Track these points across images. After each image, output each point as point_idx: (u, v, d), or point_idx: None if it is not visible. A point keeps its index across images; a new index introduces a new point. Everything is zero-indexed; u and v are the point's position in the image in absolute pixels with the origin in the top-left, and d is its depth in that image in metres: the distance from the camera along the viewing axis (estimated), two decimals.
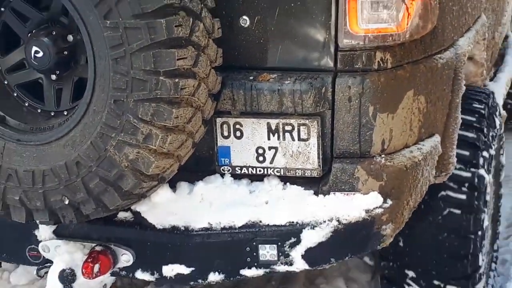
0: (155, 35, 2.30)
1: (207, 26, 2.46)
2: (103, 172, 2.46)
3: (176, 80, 2.34)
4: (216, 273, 2.75)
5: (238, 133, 2.73)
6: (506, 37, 5.06)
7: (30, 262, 2.95)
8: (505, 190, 4.17)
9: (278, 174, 2.73)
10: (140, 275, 2.81)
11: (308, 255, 2.65)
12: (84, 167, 2.48)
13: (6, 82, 2.70)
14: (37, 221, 2.71)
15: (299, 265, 2.67)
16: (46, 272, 2.89)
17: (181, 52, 2.33)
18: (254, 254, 2.68)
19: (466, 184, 3.19)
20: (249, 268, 2.71)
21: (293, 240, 2.64)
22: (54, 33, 2.56)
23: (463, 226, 3.21)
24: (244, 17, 2.64)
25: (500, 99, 3.93)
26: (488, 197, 3.33)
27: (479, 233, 3.25)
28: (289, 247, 2.65)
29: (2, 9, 2.64)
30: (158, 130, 2.38)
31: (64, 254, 2.77)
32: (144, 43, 2.31)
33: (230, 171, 2.78)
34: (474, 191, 3.18)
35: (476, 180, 3.19)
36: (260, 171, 2.75)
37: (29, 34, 2.60)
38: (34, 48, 2.53)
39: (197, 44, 2.39)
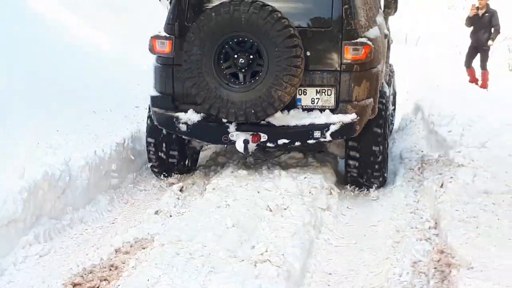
0: (290, 53, 7.10)
1: (301, 45, 7.25)
2: (268, 100, 7.14)
3: (295, 68, 7.11)
4: (298, 141, 7.37)
5: (305, 93, 7.39)
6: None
7: (222, 142, 7.48)
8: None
9: (319, 108, 7.38)
10: (268, 144, 7.40)
11: (332, 135, 7.31)
12: (261, 99, 7.17)
13: (224, 72, 7.35)
14: (237, 120, 7.30)
15: (328, 138, 7.35)
16: (225, 146, 7.59)
17: (299, 59, 7.15)
18: (312, 134, 7.33)
19: (381, 114, 7.89)
20: (309, 139, 7.34)
21: (326, 128, 7.31)
22: (246, 54, 7.24)
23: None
24: (308, 51, 7.36)
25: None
26: (386, 120, 8.04)
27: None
28: (325, 131, 7.29)
29: (226, 46, 7.33)
30: (289, 85, 7.11)
31: (242, 135, 7.39)
32: (285, 56, 7.09)
33: (301, 107, 7.40)
34: (383, 118, 7.91)
35: (383, 114, 7.92)
36: (311, 107, 7.42)
37: (235, 55, 7.28)
38: (240, 60, 7.20)
39: (301, 50, 7.18)
